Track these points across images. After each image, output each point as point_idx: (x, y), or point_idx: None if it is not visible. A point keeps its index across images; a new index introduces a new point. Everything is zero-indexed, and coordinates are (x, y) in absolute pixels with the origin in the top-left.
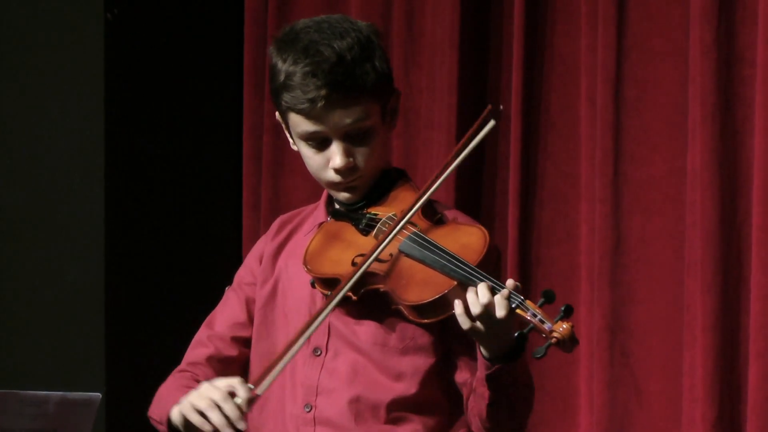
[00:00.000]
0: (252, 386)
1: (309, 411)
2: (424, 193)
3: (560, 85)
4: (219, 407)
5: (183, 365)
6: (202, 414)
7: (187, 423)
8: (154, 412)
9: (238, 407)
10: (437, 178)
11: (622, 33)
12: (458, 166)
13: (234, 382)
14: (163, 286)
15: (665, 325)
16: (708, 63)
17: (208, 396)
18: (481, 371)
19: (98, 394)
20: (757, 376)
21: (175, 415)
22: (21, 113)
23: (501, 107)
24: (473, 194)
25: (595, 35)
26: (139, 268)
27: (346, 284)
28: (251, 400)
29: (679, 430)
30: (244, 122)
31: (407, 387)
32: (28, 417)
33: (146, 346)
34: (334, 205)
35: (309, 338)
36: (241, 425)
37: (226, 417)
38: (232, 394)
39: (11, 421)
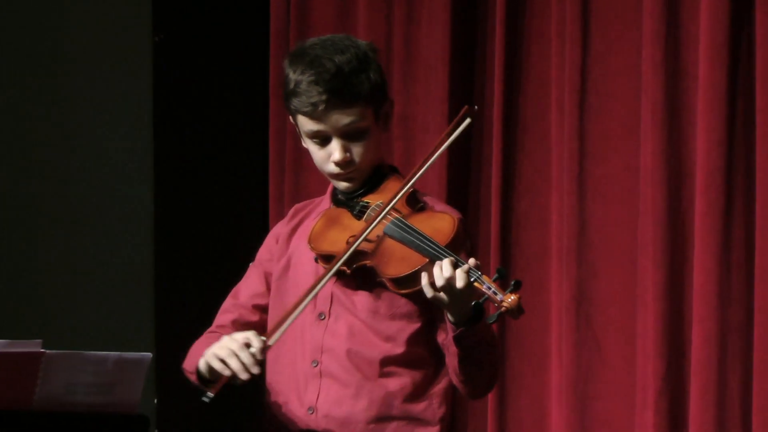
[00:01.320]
0: (264, 338)
1: (315, 366)
2: (405, 185)
3: (534, 95)
4: (237, 355)
5: (213, 327)
6: (222, 362)
7: (211, 369)
8: (188, 364)
9: (253, 355)
10: (418, 170)
11: (585, 52)
12: (447, 163)
13: (249, 335)
14: (203, 262)
15: (622, 296)
16: (657, 77)
17: (227, 346)
18: (450, 333)
19: (149, 354)
20: (699, 338)
21: (202, 364)
22: (86, 118)
23: (476, 107)
24: (462, 188)
25: (563, 54)
26: (183, 248)
27: (340, 259)
28: (264, 350)
29: (634, 383)
30: (270, 127)
31: (395, 347)
32: (91, 373)
33: (189, 313)
34: (336, 194)
35: (315, 305)
36: (255, 370)
37: (243, 363)
38: (248, 345)
39: (76, 377)
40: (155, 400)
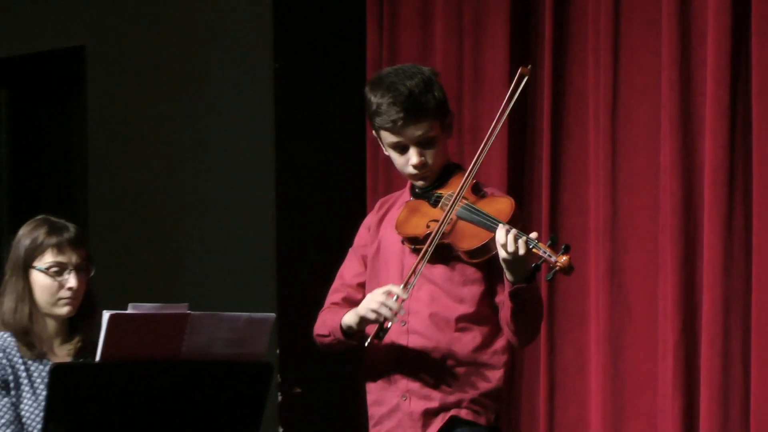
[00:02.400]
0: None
1: (404, 325)
2: (472, 173)
3: (575, 108)
4: (385, 305)
5: (327, 305)
6: (375, 312)
7: (361, 320)
8: (321, 329)
9: (396, 302)
10: (479, 155)
11: (616, 74)
12: (507, 164)
13: (390, 286)
14: (314, 241)
15: (647, 267)
16: (673, 93)
17: (375, 300)
18: (507, 290)
19: (273, 314)
20: (708, 301)
21: (348, 318)
22: (221, 126)
23: (529, 66)
24: (518, 183)
25: (598, 75)
26: (299, 232)
27: (438, 229)
28: (402, 299)
29: (656, 336)
30: (367, 136)
31: (467, 307)
32: (226, 330)
33: (303, 281)
34: (414, 189)
35: (402, 277)
36: (401, 312)
37: (391, 310)
38: (389, 294)
39: (215, 333)
40: (278, 351)
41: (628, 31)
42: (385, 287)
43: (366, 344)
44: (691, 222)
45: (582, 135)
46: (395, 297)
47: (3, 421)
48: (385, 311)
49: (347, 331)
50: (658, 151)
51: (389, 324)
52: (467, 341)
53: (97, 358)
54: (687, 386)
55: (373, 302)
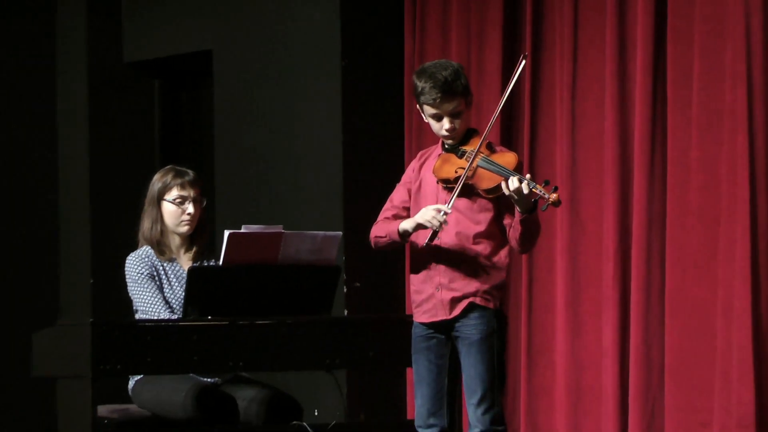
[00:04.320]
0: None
1: (437, 240)
2: (486, 137)
3: (547, 91)
4: (435, 216)
5: (379, 219)
6: (429, 221)
7: (417, 226)
8: (378, 232)
9: (443, 216)
10: (492, 120)
11: (575, 67)
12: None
13: (438, 205)
14: (370, 179)
15: (596, 199)
16: (614, 81)
17: (429, 212)
18: (518, 218)
19: (340, 233)
20: (638, 222)
21: (406, 224)
22: (305, 106)
23: (524, 54)
24: (509, 143)
25: (563, 68)
26: (359, 174)
27: (465, 174)
28: (447, 213)
29: (601, 244)
30: (405, 110)
31: (481, 227)
32: (309, 243)
33: (362, 210)
34: (444, 145)
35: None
36: (445, 224)
37: (440, 221)
38: (439, 210)
39: (300, 245)
40: (344, 257)
41: (583, 38)
42: (435, 206)
43: (425, 245)
44: (626, 169)
45: (550, 109)
46: (442, 213)
47: (158, 298)
48: (436, 222)
49: (402, 234)
50: (603, 121)
51: (439, 228)
52: (481, 250)
53: (220, 262)
54: (622, 278)
55: (428, 214)
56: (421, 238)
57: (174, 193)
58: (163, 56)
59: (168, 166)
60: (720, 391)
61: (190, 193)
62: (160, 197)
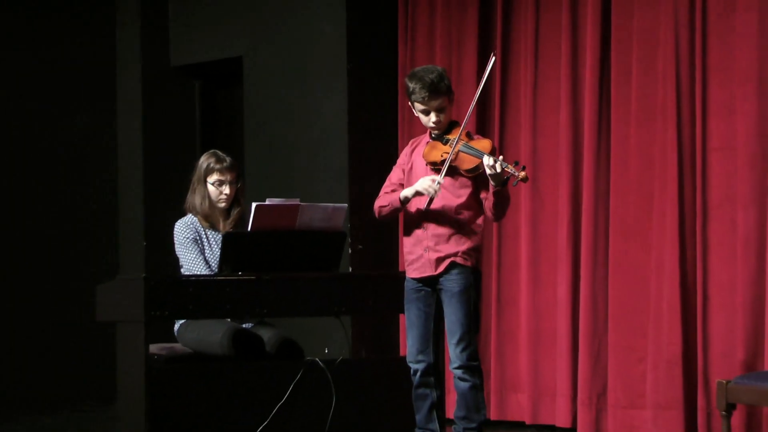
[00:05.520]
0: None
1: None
2: (465, 127)
3: (513, 88)
4: (431, 185)
5: (381, 194)
6: (425, 189)
7: (416, 193)
8: (381, 202)
9: (438, 183)
10: (469, 112)
11: (536, 69)
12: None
13: (432, 176)
14: (368, 162)
15: (552, 176)
16: (567, 80)
17: (426, 181)
18: (491, 191)
19: (346, 205)
20: (587, 194)
21: (406, 191)
22: (309, 112)
23: (493, 52)
24: (482, 132)
25: (527, 70)
26: (361, 158)
27: (448, 159)
28: (440, 183)
29: (557, 213)
30: (399, 106)
31: (462, 200)
32: (321, 212)
33: (363, 187)
34: (432, 135)
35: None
36: (439, 191)
37: (435, 189)
38: (434, 180)
39: (314, 214)
40: (348, 225)
41: (542, 47)
42: (430, 176)
43: (424, 209)
44: (578, 153)
45: (516, 105)
46: (437, 182)
47: (199, 258)
48: (432, 190)
49: (403, 200)
50: (559, 114)
51: (434, 195)
52: (461, 218)
53: (249, 228)
54: (574, 242)
55: (425, 183)
56: (415, 205)
57: (214, 177)
58: (203, 62)
59: (211, 150)
60: (653, 333)
61: (227, 177)
62: (204, 178)
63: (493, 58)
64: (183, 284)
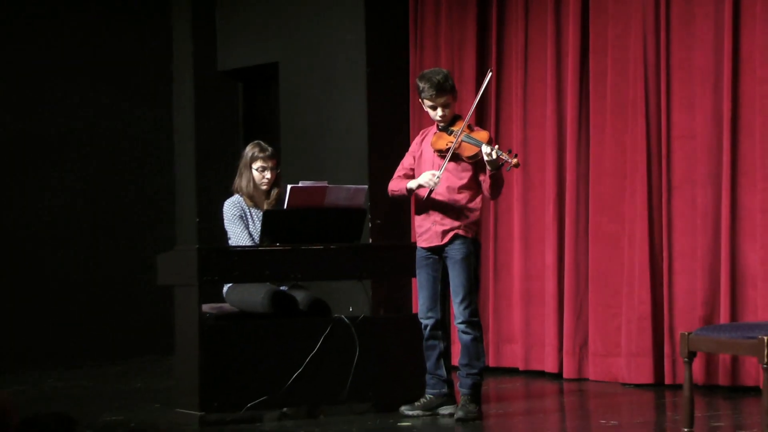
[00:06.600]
0: (437, 174)
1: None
2: (466, 120)
3: (506, 89)
4: (431, 179)
5: (394, 177)
6: (427, 182)
7: (419, 186)
8: (394, 186)
9: (437, 178)
10: (469, 113)
11: (526, 74)
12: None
13: (433, 171)
14: (385, 150)
15: (540, 160)
16: (553, 82)
17: (427, 176)
18: (488, 174)
19: (366, 186)
20: (570, 176)
21: (412, 183)
22: (335, 109)
23: (490, 69)
24: (481, 125)
25: (518, 75)
26: (380, 146)
27: (452, 148)
28: (438, 176)
29: (544, 188)
30: (411, 104)
31: (464, 181)
32: (345, 192)
33: (381, 170)
34: (438, 126)
35: (433, 168)
36: (438, 182)
37: (434, 182)
38: (434, 174)
39: (339, 195)
40: (368, 204)
41: (531, 52)
42: (430, 171)
43: (425, 198)
44: (561, 142)
45: (509, 100)
46: (436, 176)
47: (244, 232)
48: (431, 183)
49: (408, 191)
50: (545, 108)
51: (433, 187)
52: (462, 197)
53: (285, 206)
54: (559, 217)
55: (426, 177)
56: (422, 193)
57: (258, 163)
58: (245, 66)
59: (255, 141)
60: (626, 293)
61: (268, 164)
62: (249, 164)
63: (490, 74)
64: (230, 253)
